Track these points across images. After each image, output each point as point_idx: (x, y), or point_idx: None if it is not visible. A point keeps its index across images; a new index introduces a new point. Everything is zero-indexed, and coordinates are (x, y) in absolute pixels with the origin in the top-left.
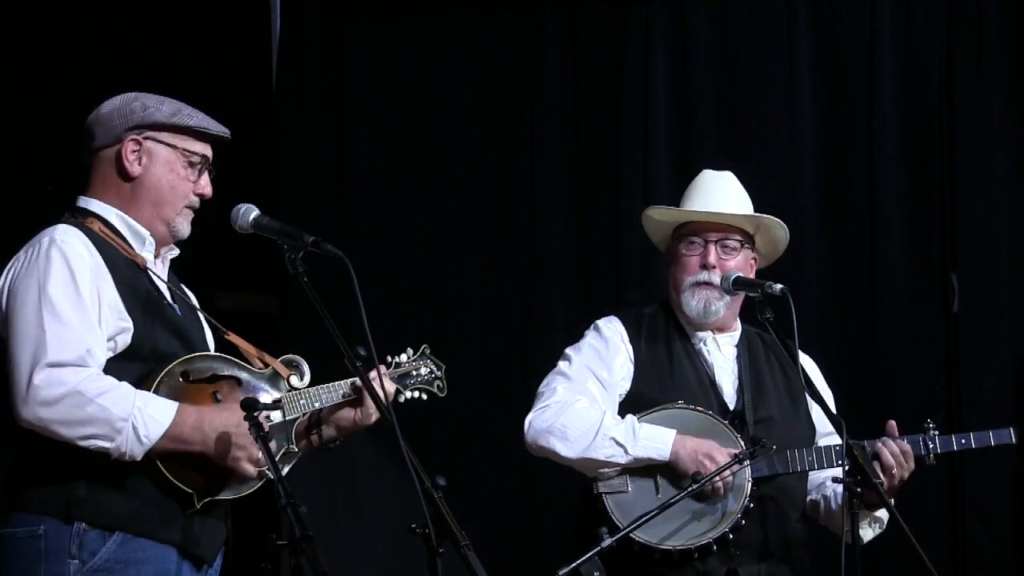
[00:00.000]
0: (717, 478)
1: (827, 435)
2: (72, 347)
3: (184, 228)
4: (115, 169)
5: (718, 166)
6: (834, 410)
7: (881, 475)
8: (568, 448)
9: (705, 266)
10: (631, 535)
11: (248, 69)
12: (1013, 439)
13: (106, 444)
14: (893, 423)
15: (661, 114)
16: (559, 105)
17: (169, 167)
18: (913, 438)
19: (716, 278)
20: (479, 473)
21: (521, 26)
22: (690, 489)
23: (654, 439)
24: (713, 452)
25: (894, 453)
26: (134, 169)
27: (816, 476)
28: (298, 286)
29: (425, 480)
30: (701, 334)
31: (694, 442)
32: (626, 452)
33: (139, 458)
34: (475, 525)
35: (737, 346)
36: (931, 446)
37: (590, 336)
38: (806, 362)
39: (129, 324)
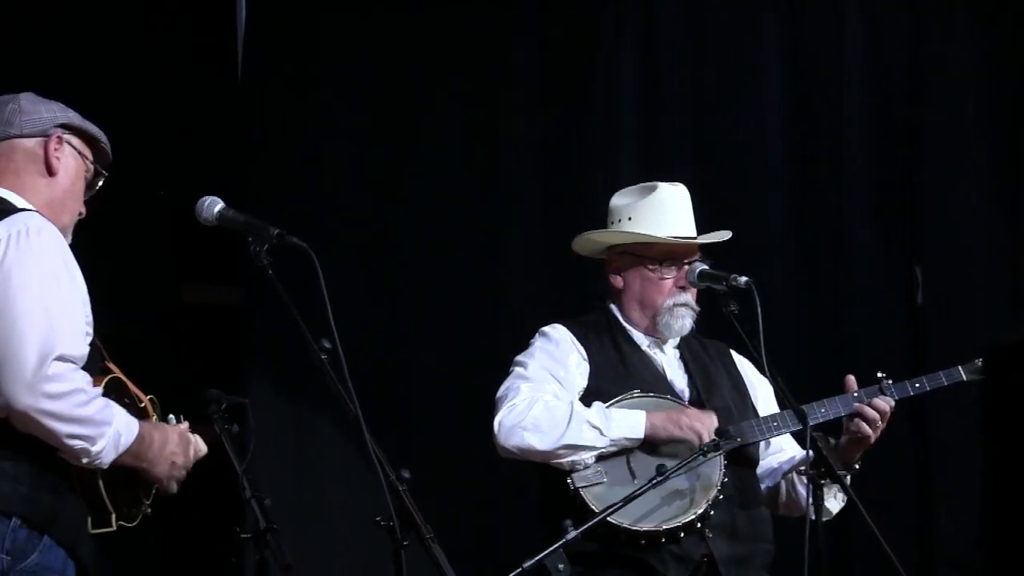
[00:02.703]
0: (691, 434)
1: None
2: (80, 344)
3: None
4: (35, 161)
5: (678, 169)
6: (775, 405)
7: (867, 429)
8: (543, 440)
9: (683, 287)
10: (607, 519)
11: (213, 59)
12: (964, 376)
13: (88, 446)
14: (851, 377)
15: (630, 111)
16: (528, 101)
17: (77, 175)
18: (870, 389)
19: (692, 299)
20: (444, 465)
21: (492, 21)
22: (655, 481)
23: (627, 419)
24: (687, 410)
25: (877, 408)
26: (56, 167)
27: (767, 463)
28: (264, 279)
29: (389, 473)
30: (642, 337)
31: (664, 412)
32: (602, 434)
33: (106, 465)
34: (439, 518)
35: (678, 347)
36: (889, 393)
37: (539, 341)
38: (742, 362)
39: (91, 329)
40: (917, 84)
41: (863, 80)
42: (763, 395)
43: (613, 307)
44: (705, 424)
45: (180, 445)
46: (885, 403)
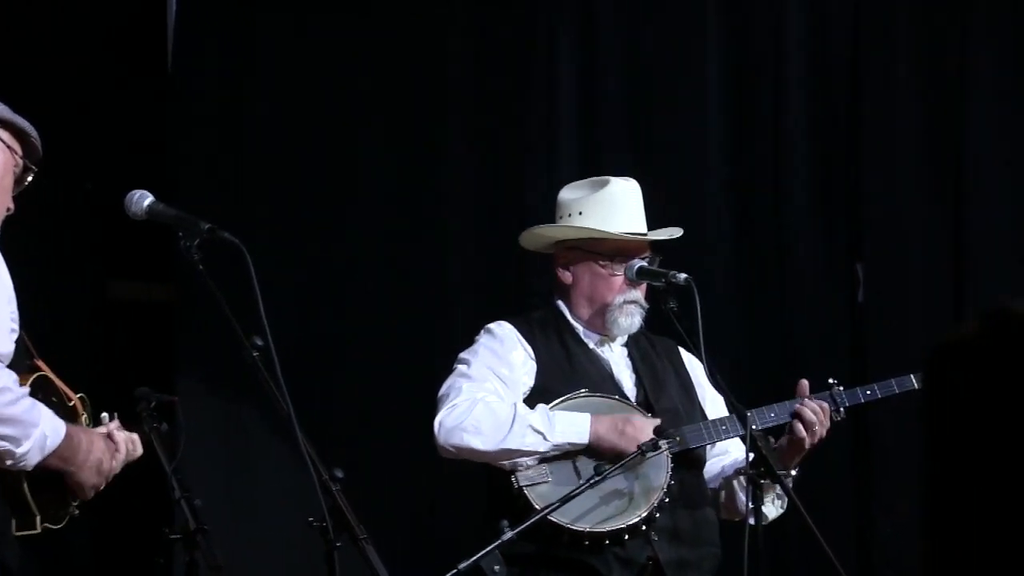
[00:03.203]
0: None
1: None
2: (5, 341)
3: None
4: None
5: (617, 163)
6: (723, 405)
7: (803, 432)
8: (484, 442)
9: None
10: (548, 518)
11: (142, 50)
12: (916, 384)
13: (13, 448)
14: (805, 382)
15: (569, 104)
16: (464, 92)
17: (5, 170)
18: (821, 395)
19: (642, 296)
20: (379, 464)
21: (428, 10)
22: (593, 480)
23: (571, 423)
24: (632, 419)
25: (815, 411)
26: None
27: (711, 465)
28: (194, 275)
29: (322, 472)
30: (592, 335)
31: (609, 418)
32: (545, 439)
33: (31, 468)
34: (374, 518)
35: (626, 345)
36: (839, 400)
37: (484, 339)
38: (690, 360)
39: (17, 326)
40: (857, 82)
41: (803, 79)
42: (711, 395)
43: (560, 303)
44: (648, 435)
45: (107, 451)
46: (818, 404)
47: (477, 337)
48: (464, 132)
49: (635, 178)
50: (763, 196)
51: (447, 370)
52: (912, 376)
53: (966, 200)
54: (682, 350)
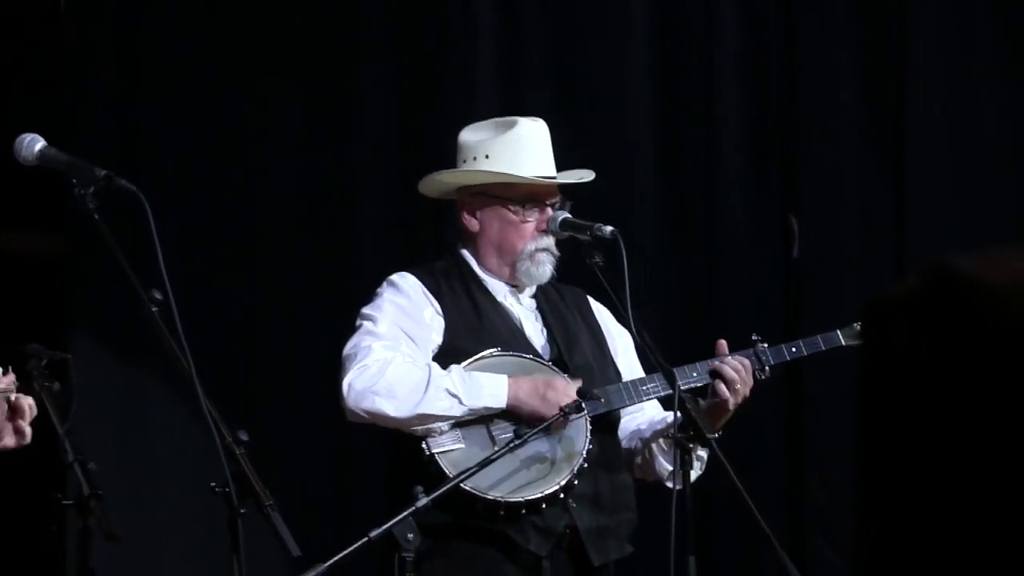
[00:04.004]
0: (553, 406)
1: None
2: None
3: None
4: None
5: (543, 106)
6: (635, 357)
7: (726, 392)
8: (398, 407)
9: (545, 231)
10: (462, 487)
11: None
12: (843, 341)
13: None
14: (723, 342)
15: (488, 47)
16: (380, 34)
17: None
18: (744, 352)
19: (553, 244)
20: (285, 427)
21: None
22: (513, 444)
23: (488, 386)
24: (553, 381)
25: (735, 368)
26: None
27: (625, 424)
28: (89, 224)
29: (226, 435)
30: (499, 285)
31: (529, 380)
32: (461, 402)
33: None
34: (281, 484)
35: (535, 297)
36: (763, 358)
37: (388, 292)
38: (600, 310)
39: None
40: (791, 28)
41: (736, 24)
42: (622, 347)
43: (465, 252)
44: (571, 398)
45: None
46: (738, 361)
47: (379, 290)
48: (378, 75)
49: (557, 127)
50: (693, 144)
51: (355, 328)
52: (839, 332)
53: (906, 150)
54: (591, 299)
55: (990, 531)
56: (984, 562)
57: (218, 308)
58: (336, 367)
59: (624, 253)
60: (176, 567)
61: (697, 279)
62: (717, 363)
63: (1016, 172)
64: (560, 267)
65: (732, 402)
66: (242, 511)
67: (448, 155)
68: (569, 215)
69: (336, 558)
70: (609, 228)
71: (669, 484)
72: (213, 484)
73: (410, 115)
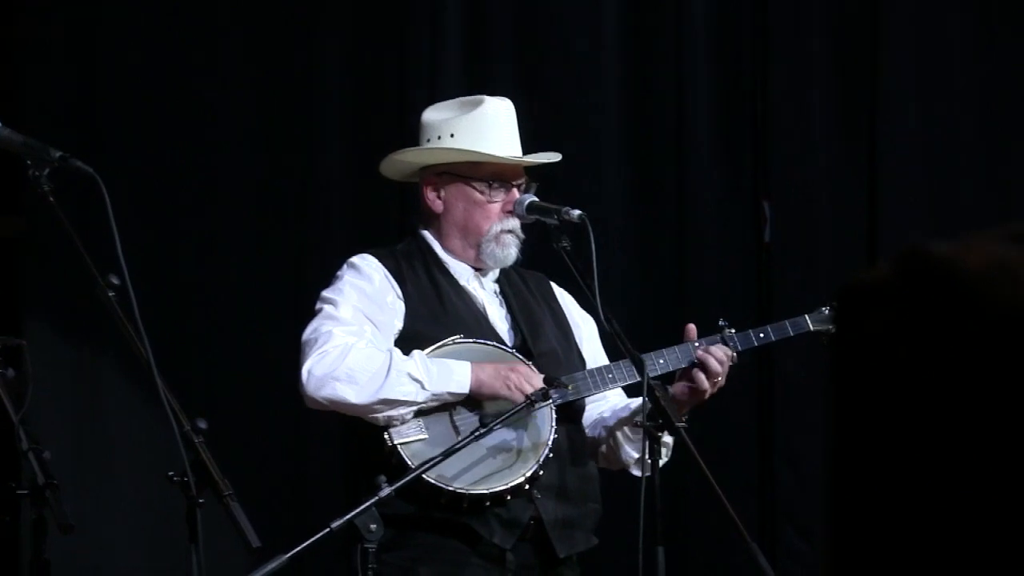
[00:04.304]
0: (519, 395)
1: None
2: None
3: None
4: None
5: (507, 84)
6: (599, 344)
7: (705, 383)
8: (359, 393)
9: (510, 213)
10: (425, 478)
11: None
12: (811, 327)
13: None
14: (692, 326)
15: (455, 23)
16: (342, 12)
17: None
18: (712, 339)
19: (519, 226)
20: (244, 415)
21: None
22: (478, 433)
23: (451, 371)
24: (517, 367)
25: (720, 360)
26: None
27: (589, 413)
28: (44, 207)
29: (184, 423)
30: (462, 268)
31: (492, 366)
32: (423, 388)
33: None
34: (240, 473)
35: (497, 281)
36: (732, 344)
37: (349, 275)
38: (563, 295)
39: None
40: (762, 11)
41: (706, 7)
42: (587, 333)
43: (427, 234)
44: (534, 384)
45: None
46: (723, 352)
47: (340, 273)
48: (340, 53)
49: (524, 113)
50: (663, 127)
51: (315, 312)
52: (807, 317)
53: (880, 134)
54: (554, 284)
55: (963, 520)
56: (956, 552)
57: (176, 293)
58: (294, 353)
59: (592, 238)
60: (133, 558)
61: (667, 264)
62: (701, 353)
63: (988, 158)
64: (524, 251)
65: (709, 392)
66: (201, 501)
67: (411, 136)
68: (536, 198)
69: (297, 549)
70: (577, 212)
71: (635, 472)
72: (171, 473)
73: (371, 95)
